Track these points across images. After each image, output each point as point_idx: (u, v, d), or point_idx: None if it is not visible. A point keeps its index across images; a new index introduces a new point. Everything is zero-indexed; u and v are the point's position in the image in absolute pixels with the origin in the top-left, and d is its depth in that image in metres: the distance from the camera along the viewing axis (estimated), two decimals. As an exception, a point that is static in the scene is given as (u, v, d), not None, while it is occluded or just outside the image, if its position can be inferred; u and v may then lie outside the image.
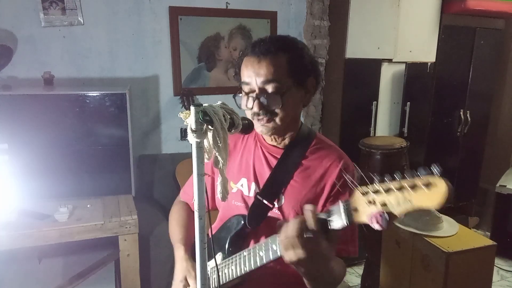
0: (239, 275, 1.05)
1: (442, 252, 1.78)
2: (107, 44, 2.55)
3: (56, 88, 2.34)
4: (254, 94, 1.08)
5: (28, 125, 2.04)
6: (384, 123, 3.17)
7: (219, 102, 0.86)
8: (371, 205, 0.77)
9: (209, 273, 1.14)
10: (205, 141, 0.81)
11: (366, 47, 2.90)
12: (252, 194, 1.18)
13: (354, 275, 2.92)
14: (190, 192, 1.39)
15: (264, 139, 1.21)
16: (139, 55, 2.64)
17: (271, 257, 0.95)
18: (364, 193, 0.79)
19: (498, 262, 3.05)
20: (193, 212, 1.38)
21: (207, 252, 0.84)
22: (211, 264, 1.12)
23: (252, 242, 1.16)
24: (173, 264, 1.26)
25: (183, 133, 2.79)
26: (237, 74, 1.17)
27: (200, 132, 0.79)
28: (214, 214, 1.31)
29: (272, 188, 1.15)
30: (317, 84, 1.18)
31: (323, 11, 3.02)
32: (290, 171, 1.15)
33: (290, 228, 0.86)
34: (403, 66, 3.08)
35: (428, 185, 0.69)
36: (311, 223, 0.85)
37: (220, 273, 1.13)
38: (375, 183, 0.77)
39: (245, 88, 1.11)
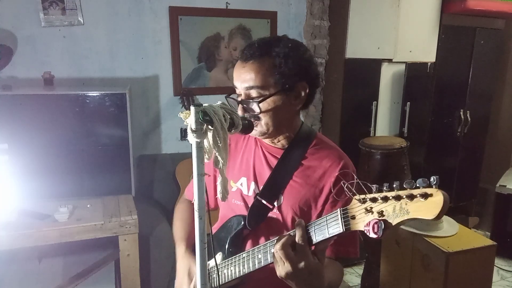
0: (237, 276, 1.06)
1: (442, 252, 1.78)
2: (107, 44, 2.55)
3: (56, 88, 2.34)
4: (239, 98, 1.10)
5: (28, 125, 2.04)
6: (384, 123, 3.17)
7: (219, 102, 0.86)
8: (368, 213, 0.78)
9: (209, 270, 1.14)
10: (205, 141, 0.81)
11: (366, 47, 2.90)
12: (251, 193, 1.18)
13: (354, 275, 2.92)
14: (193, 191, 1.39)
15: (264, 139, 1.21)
16: (139, 55, 2.64)
17: (269, 260, 0.96)
18: (362, 201, 0.80)
19: (498, 262, 3.05)
20: None
21: (207, 251, 0.84)
22: (211, 263, 1.12)
23: (251, 242, 1.16)
24: (173, 263, 1.27)
25: (183, 133, 2.79)
26: None
27: (200, 132, 0.79)
28: (217, 213, 1.31)
29: (271, 189, 1.15)
30: (311, 87, 1.13)
31: (323, 11, 3.02)
32: (290, 171, 1.14)
33: (280, 242, 0.89)
34: (403, 66, 3.08)
35: (425, 196, 0.69)
36: (299, 237, 0.88)
37: (219, 272, 1.13)
38: (374, 192, 0.78)
39: (236, 91, 1.12)
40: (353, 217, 0.82)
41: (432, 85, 3.18)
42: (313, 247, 0.90)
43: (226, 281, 1.09)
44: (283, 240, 0.89)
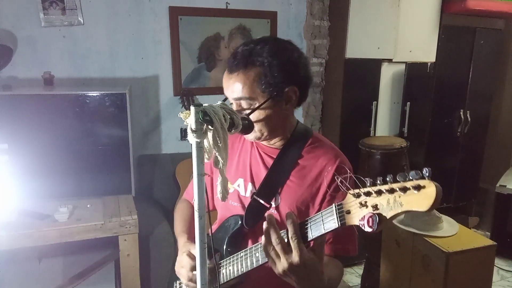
0: (236, 275, 1.06)
1: (442, 252, 1.78)
2: (107, 44, 2.55)
3: (56, 88, 2.34)
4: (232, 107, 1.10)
5: (28, 125, 2.04)
6: (384, 123, 3.17)
7: (219, 102, 0.86)
8: (363, 207, 0.78)
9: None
10: (205, 141, 0.81)
11: (366, 47, 2.90)
12: (248, 194, 1.18)
13: (354, 275, 2.92)
14: (191, 191, 1.39)
15: None
16: (139, 55, 2.64)
17: (267, 259, 0.95)
18: (356, 195, 0.80)
19: (498, 262, 3.05)
20: None
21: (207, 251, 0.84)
22: (210, 263, 1.12)
23: (250, 242, 1.16)
24: (173, 263, 1.27)
25: (183, 133, 2.79)
26: None
27: (200, 132, 0.79)
28: (215, 215, 1.31)
29: (268, 188, 1.15)
30: (301, 88, 1.12)
31: (323, 11, 3.02)
32: (286, 170, 1.15)
33: (272, 237, 0.88)
34: (403, 66, 3.08)
35: (418, 188, 0.69)
36: (291, 232, 0.87)
37: (218, 272, 1.13)
38: (367, 186, 0.78)
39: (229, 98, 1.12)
40: (348, 212, 0.82)
41: (432, 85, 3.18)
42: (311, 243, 0.90)
43: (225, 280, 1.09)
44: (275, 235, 0.89)
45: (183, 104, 2.56)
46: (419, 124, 3.19)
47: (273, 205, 1.14)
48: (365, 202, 0.78)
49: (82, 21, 2.46)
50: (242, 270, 1.03)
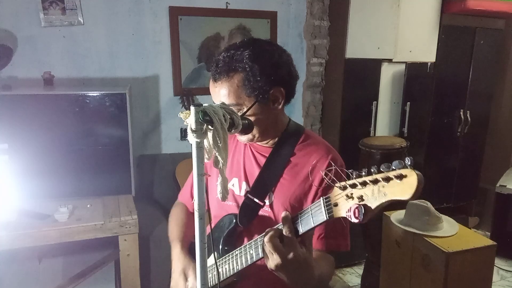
0: (231, 273, 1.07)
1: (442, 252, 1.78)
2: (107, 44, 2.55)
3: (56, 88, 2.34)
4: None
5: (28, 125, 2.04)
6: (384, 123, 3.17)
7: (219, 102, 0.86)
8: (349, 199, 0.80)
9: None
10: (205, 141, 0.81)
11: (366, 47, 2.90)
12: (243, 193, 1.20)
13: (354, 275, 2.92)
14: (186, 193, 1.41)
15: None
16: (139, 55, 2.64)
17: (261, 255, 0.97)
18: (343, 188, 0.82)
19: (498, 262, 3.05)
20: (191, 213, 1.40)
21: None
22: (208, 262, 1.12)
23: (245, 240, 1.17)
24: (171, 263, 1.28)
25: (183, 133, 2.79)
26: None
27: (200, 132, 0.79)
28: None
29: (261, 186, 1.16)
30: (287, 86, 1.12)
31: (323, 11, 3.02)
32: (279, 168, 1.16)
33: (268, 235, 0.91)
34: (403, 66, 3.08)
35: (400, 177, 0.71)
36: (286, 229, 0.90)
37: (214, 272, 1.14)
38: (353, 178, 0.80)
39: None
40: (336, 205, 0.84)
41: (432, 85, 3.18)
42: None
43: (222, 279, 1.09)
44: (270, 233, 0.91)
45: (183, 104, 2.56)
46: (419, 124, 3.19)
47: (267, 203, 1.15)
48: (351, 194, 0.80)
49: (82, 21, 2.46)
50: (237, 268, 1.05)
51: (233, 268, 1.06)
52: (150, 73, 2.70)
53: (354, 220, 0.78)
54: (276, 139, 1.19)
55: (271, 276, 0.94)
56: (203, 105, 0.80)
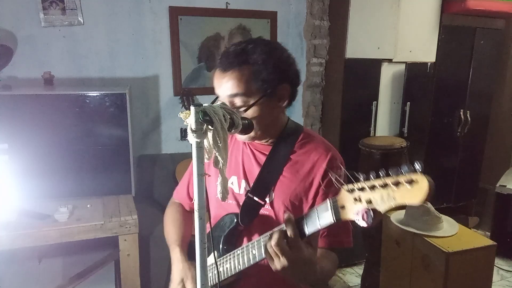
0: (233, 273, 1.07)
1: (442, 252, 1.78)
2: (107, 44, 2.55)
3: (56, 88, 2.34)
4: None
5: (28, 125, 2.04)
6: (384, 123, 3.17)
7: (219, 102, 0.86)
8: (357, 202, 0.80)
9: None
10: (205, 141, 0.81)
11: (366, 47, 2.90)
12: (242, 191, 1.19)
13: (354, 275, 2.92)
14: (182, 191, 1.40)
15: None
16: (139, 55, 2.64)
17: (264, 255, 0.96)
18: (350, 191, 0.81)
19: (498, 262, 3.05)
20: (187, 211, 1.40)
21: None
22: (208, 261, 1.12)
23: (245, 239, 1.17)
24: (169, 265, 1.28)
25: (183, 133, 2.79)
26: None
27: (200, 132, 0.79)
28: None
29: (262, 185, 1.16)
30: (292, 87, 1.14)
31: (323, 11, 3.02)
32: (279, 166, 1.16)
33: (273, 238, 0.90)
34: (403, 66, 3.08)
35: (410, 182, 0.71)
36: (290, 231, 0.89)
37: (214, 272, 1.14)
38: (361, 181, 0.79)
39: (219, 99, 1.12)
40: (343, 207, 0.83)
41: (432, 85, 3.18)
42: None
43: (222, 278, 1.09)
44: (276, 236, 0.90)
45: (183, 104, 2.56)
46: (419, 124, 3.20)
47: (267, 201, 1.15)
48: (359, 197, 0.79)
49: (82, 21, 2.46)
50: (239, 267, 1.04)
51: (235, 268, 1.06)
52: (150, 73, 2.70)
53: (362, 223, 0.78)
54: (275, 138, 1.19)
55: (272, 275, 0.94)
56: (203, 105, 0.80)
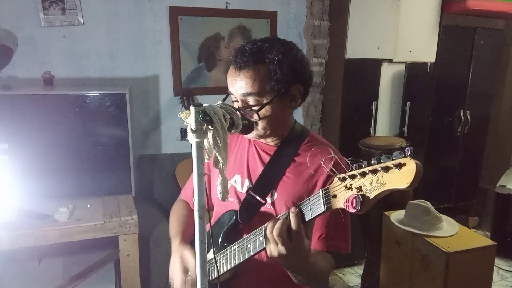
0: (229, 268, 1.07)
1: (442, 252, 1.78)
2: (107, 44, 2.55)
3: (56, 88, 2.34)
4: (236, 105, 1.11)
5: (28, 125, 2.04)
6: (384, 123, 3.17)
7: (219, 102, 0.86)
8: (348, 190, 0.81)
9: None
10: (205, 141, 0.81)
11: (366, 47, 2.90)
12: (245, 190, 1.20)
13: (354, 275, 2.92)
14: (189, 190, 1.41)
15: None
16: (139, 55, 2.64)
17: (258, 249, 0.98)
18: (342, 179, 0.83)
19: (498, 262, 3.05)
20: (193, 210, 1.40)
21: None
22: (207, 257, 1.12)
23: (244, 236, 1.17)
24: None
25: (183, 133, 2.79)
26: None
27: (200, 132, 0.79)
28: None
29: (264, 184, 1.16)
30: (305, 89, 1.15)
31: (323, 11, 3.02)
32: (283, 167, 1.16)
33: (276, 226, 0.91)
34: (403, 66, 3.08)
35: (399, 166, 0.72)
36: (295, 225, 0.90)
37: (212, 268, 1.14)
38: (352, 168, 0.80)
39: (232, 96, 1.13)
40: (334, 196, 0.85)
41: (432, 85, 3.18)
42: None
43: (220, 274, 1.09)
44: (278, 224, 0.91)
45: (183, 104, 2.56)
46: (419, 124, 3.19)
47: (269, 201, 1.16)
48: (350, 185, 0.81)
49: (82, 21, 2.46)
50: (234, 262, 1.05)
51: (231, 263, 1.06)
52: (150, 73, 2.70)
53: (351, 210, 0.79)
54: (281, 139, 1.19)
55: (268, 272, 0.95)
56: (203, 105, 0.80)
